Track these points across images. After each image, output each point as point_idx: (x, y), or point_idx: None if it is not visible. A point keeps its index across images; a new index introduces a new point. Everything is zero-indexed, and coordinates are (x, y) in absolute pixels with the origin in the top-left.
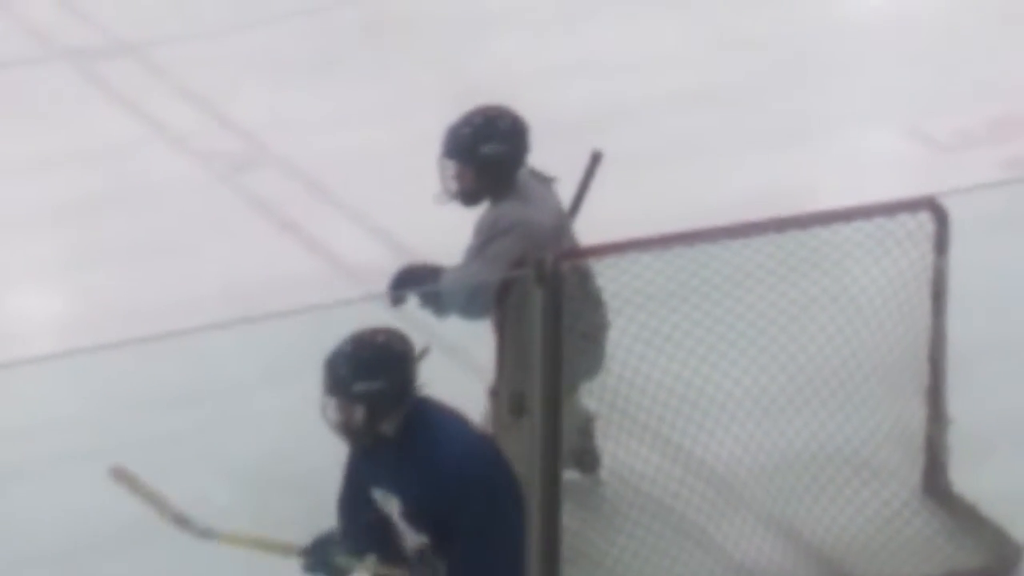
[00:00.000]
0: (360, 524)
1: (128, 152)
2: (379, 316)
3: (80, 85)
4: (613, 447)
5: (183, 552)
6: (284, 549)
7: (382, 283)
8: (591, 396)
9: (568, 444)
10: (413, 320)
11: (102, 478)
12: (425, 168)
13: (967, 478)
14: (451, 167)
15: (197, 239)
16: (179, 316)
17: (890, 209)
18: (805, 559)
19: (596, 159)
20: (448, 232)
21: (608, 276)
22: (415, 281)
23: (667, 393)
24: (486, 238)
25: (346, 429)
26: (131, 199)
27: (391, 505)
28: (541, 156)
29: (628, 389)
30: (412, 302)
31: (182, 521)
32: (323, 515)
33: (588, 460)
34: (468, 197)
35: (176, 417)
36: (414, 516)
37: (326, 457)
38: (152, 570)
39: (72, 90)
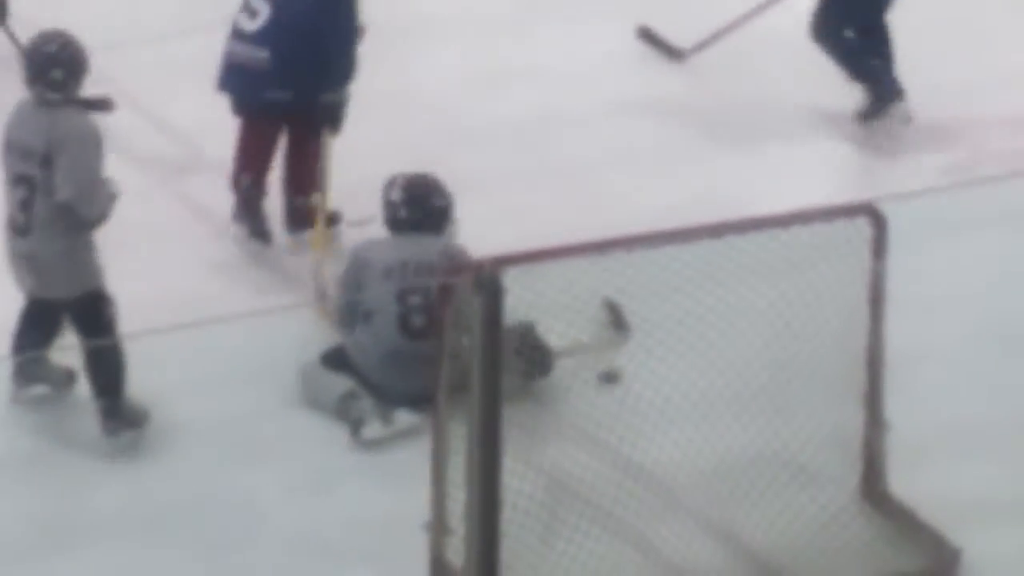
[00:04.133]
0: None
1: None
2: (319, 322)
3: (20, 90)
4: (552, 452)
5: (93, 560)
6: None
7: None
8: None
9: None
10: None
11: (16, 484)
12: (368, 174)
13: (905, 483)
14: None
15: (135, 244)
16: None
17: (828, 214)
18: (743, 563)
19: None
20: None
21: (546, 281)
22: None
23: (605, 398)
24: None
25: None
26: None
27: None
28: (481, 160)
29: (566, 394)
30: None
31: None
32: (260, 528)
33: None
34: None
35: None
36: None
37: (265, 465)
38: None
39: (12, 96)
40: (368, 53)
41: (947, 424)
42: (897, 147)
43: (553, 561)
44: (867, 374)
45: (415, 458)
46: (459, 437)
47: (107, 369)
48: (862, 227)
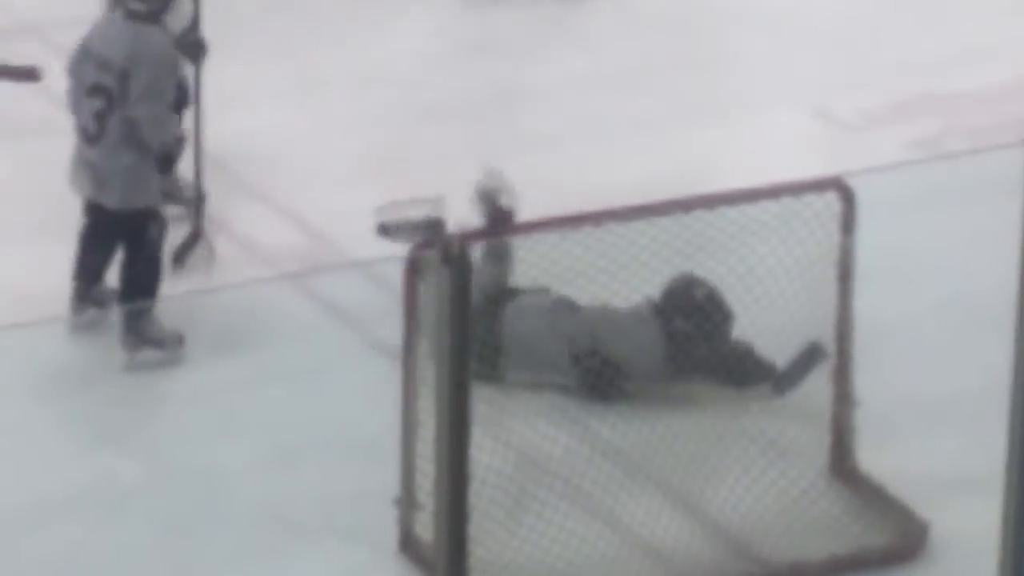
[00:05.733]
0: None
1: (32, 132)
2: (287, 298)
3: None
4: (520, 427)
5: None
6: None
7: (291, 264)
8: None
9: None
10: None
11: None
12: (331, 148)
13: (873, 457)
14: None
15: None
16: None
17: (797, 189)
18: (712, 538)
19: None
20: (355, 213)
21: (515, 256)
22: None
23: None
24: None
25: None
26: (36, 179)
27: None
28: (447, 135)
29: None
30: None
31: None
32: (227, 503)
33: None
34: None
35: (73, 400)
36: None
37: (233, 438)
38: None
39: None
40: (327, 26)
41: (916, 399)
42: (865, 122)
43: (522, 536)
44: (836, 349)
45: (385, 432)
46: (428, 411)
47: (139, 284)
48: (831, 201)
